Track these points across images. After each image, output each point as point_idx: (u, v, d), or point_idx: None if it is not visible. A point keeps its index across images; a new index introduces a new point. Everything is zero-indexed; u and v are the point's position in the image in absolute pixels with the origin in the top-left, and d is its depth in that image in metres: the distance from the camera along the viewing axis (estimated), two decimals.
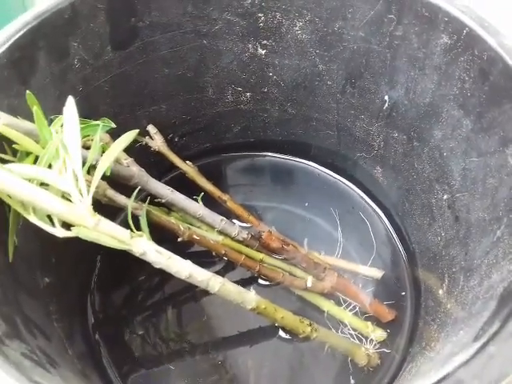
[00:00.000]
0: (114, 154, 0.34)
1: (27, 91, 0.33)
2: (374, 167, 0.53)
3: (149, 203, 0.43)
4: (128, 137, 0.35)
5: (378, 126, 0.49)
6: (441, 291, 0.42)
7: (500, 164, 0.34)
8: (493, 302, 0.28)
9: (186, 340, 0.49)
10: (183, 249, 0.44)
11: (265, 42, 0.47)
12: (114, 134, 0.38)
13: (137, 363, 0.47)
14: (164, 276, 0.50)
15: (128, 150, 0.44)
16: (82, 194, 0.31)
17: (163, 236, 0.42)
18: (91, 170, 0.36)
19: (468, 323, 0.30)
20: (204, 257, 0.50)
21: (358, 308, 0.49)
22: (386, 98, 0.46)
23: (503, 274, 0.29)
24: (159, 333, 0.49)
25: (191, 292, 0.51)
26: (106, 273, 0.53)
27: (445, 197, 0.42)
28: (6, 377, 0.22)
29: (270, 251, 0.50)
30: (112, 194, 0.41)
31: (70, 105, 0.32)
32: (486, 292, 0.31)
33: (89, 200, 0.31)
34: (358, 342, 0.47)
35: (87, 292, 0.51)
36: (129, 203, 0.37)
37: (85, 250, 0.49)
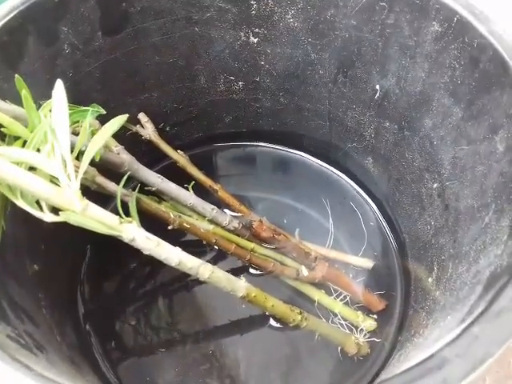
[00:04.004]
0: (103, 138, 0.33)
1: (16, 75, 0.33)
2: (365, 157, 0.53)
3: (139, 192, 0.43)
4: (117, 121, 0.34)
5: (369, 116, 0.49)
6: (430, 279, 0.42)
7: (489, 151, 0.34)
8: (479, 287, 0.28)
9: (177, 329, 0.49)
10: (173, 238, 0.43)
11: (257, 30, 0.47)
12: (105, 122, 0.38)
13: (127, 353, 0.47)
14: (154, 266, 0.50)
15: (119, 139, 0.44)
16: (70, 179, 0.31)
17: (154, 225, 0.41)
18: (80, 155, 0.35)
19: (455, 308, 0.31)
20: (195, 246, 0.50)
21: (348, 298, 0.49)
22: (378, 87, 0.46)
23: (490, 258, 0.30)
24: (150, 322, 0.49)
25: (182, 282, 0.51)
26: (96, 262, 0.53)
27: (435, 185, 0.42)
28: None
29: (261, 241, 0.50)
30: (102, 180, 0.41)
31: (59, 88, 0.32)
32: (474, 277, 0.31)
33: (77, 184, 0.31)
34: (348, 331, 0.47)
35: (77, 281, 0.51)
36: (118, 188, 0.37)
37: (74, 239, 0.49)
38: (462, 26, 0.35)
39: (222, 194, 0.52)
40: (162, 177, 0.47)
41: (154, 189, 0.46)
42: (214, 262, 0.51)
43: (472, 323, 0.23)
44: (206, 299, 0.50)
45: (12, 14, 0.36)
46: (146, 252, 0.35)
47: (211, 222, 0.49)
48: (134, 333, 0.48)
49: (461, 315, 0.27)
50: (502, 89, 0.33)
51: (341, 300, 0.49)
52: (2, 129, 0.33)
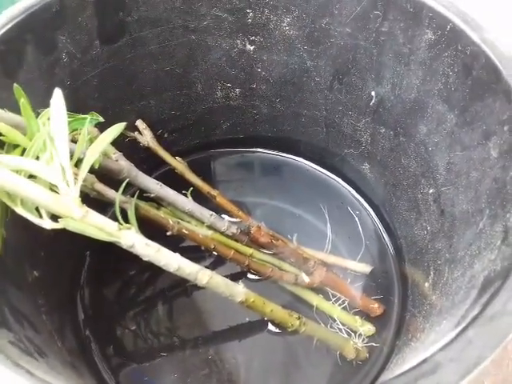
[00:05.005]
0: (102, 146, 0.34)
1: (14, 84, 0.33)
2: (362, 163, 0.54)
3: (138, 198, 0.43)
4: (115, 129, 0.35)
5: (365, 122, 0.50)
6: (427, 284, 0.42)
7: (483, 157, 0.35)
8: (474, 291, 0.29)
9: (177, 335, 0.49)
10: (172, 244, 0.44)
11: (253, 37, 0.48)
12: (103, 130, 0.38)
13: (127, 358, 0.47)
14: (154, 271, 0.50)
15: (117, 145, 0.44)
16: (69, 186, 0.31)
17: (153, 232, 0.42)
18: (79, 163, 0.36)
19: (451, 312, 0.31)
20: (193, 252, 0.50)
21: (346, 302, 0.50)
22: (373, 93, 0.46)
23: (484, 263, 0.30)
24: (149, 328, 0.49)
25: (181, 287, 0.51)
26: (95, 268, 0.53)
27: (430, 191, 0.43)
28: None
29: (259, 246, 0.50)
30: (101, 187, 0.41)
31: (58, 97, 0.32)
32: (469, 282, 0.31)
33: (76, 191, 0.31)
34: (346, 336, 0.47)
35: (77, 287, 0.51)
36: (117, 195, 0.37)
37: (74, 245, 0.49)
38: (455, 33, 0.36)
39: (220, 199, 0.52)
40: (160, 183, 0.47)
41: (152, 195, 0.47)
42: (212, 267, 0.51)
43: (466, 327, 0.24)
44: (204, 304, 0.50)
45: (10, 24, 0.36)
46: (145, 258, 0.35)
47: (210, 227, 0.49)
48: (134, 338, 0.49)
49: (456, 319, 0.27)
50: (494, 96, 0.33)
51: (339, 305, 0.49)
52: (1, 137, 0.33)
